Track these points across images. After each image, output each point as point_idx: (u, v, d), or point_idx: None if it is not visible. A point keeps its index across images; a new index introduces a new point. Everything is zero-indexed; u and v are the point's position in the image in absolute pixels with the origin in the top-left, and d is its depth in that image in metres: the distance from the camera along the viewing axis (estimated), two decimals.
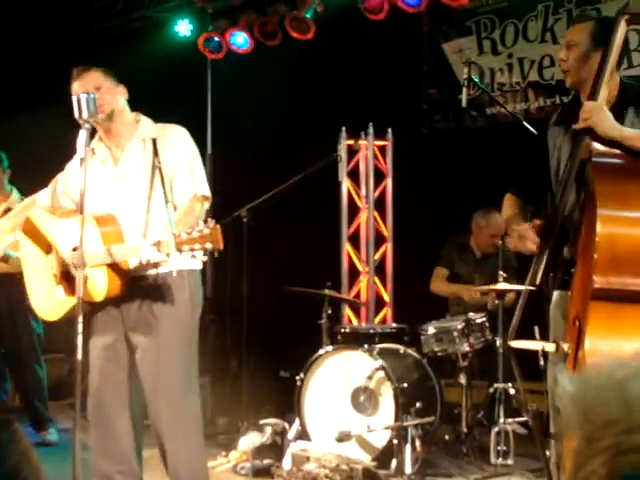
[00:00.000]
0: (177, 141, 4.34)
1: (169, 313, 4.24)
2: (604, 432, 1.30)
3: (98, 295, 4.02)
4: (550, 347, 3.37)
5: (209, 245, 3.70)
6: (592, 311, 3.07)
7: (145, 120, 4.43)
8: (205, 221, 3.90)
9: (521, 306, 3.55)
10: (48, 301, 4.30)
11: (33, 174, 6.14)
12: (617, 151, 3.37)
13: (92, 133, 4.05)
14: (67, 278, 4.12)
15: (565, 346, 3.30)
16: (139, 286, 4.20)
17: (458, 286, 7.12)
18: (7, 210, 6.38)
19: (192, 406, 4.34)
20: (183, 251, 3.70)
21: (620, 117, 3.55)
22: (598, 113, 3.48)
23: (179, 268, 4.16)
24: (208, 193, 4.29)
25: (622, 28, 3.53)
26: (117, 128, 4.35)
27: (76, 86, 4.26)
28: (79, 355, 3.69)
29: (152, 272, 4.17)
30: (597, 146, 3.38)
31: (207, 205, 4.30)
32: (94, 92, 4.07)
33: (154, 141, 4.28)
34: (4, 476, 1.52)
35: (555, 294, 3.86)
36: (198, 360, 4.46)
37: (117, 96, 4.36)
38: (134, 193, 4.24)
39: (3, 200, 6.55)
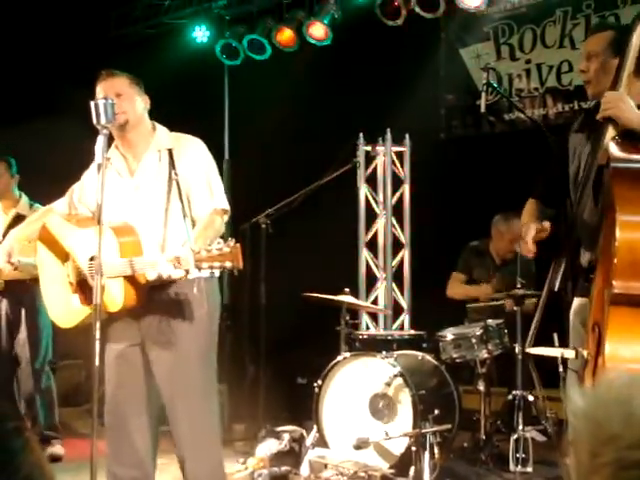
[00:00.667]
0: (194, 153, 4.31)
1: (188, 328, 4.21)
2: (606, 448, 1.30)
3: (114, 306, 4.01)
4: (569, 354, 3.34)
5: (228, 264, 3.70)
6: (612, 316, 3.05)
7: (161, 130, 4.40)
8: (223, 237, 3.90)
9: (539, 312, 3.53)
10: (63, 309, 4.29)
11: (51, 180, 6.17)
12: (636, 156, 3.35)
13: (109, 140, 4.04)
14: (83, 287, 4.12)
15: (585, 352, 3.27)
16: (157, 299, 4.17)
17: (473, 287, 7.09)
18: (17, 216, 6.41)
19: (211, 415, 4.32)
20: (202, 268, 3.70)
21: None
22: (619, 102, 3.44)
23: (198, 277, 4.09)
24: (227, 207, 4.28)
25: (639, 33, 3.50)
26: (133, 138, 4.32)
27: (99, 89, 4.26)
28: (97, 361, 3.69)
29: (171, 286, 4.16)
30: (615, 151, 3.35)
31: (226, 218, 4.29)
32: (113, 98, 4.08)
33: (170, 152, 4.26)
34: (26, 474, 1.50)
35: (575, 301, 3.84)
36: (216, 367, 4.44)
37: (136, 106, 4.32)
38: (151, 205, 4.21)
39: (12, 206, 6.53)
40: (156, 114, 4.57)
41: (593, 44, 3.80)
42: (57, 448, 6.44)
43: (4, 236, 6.23)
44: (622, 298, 3.07)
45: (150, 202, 4.22)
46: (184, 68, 9.34)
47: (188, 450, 4.21)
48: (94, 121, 3.81)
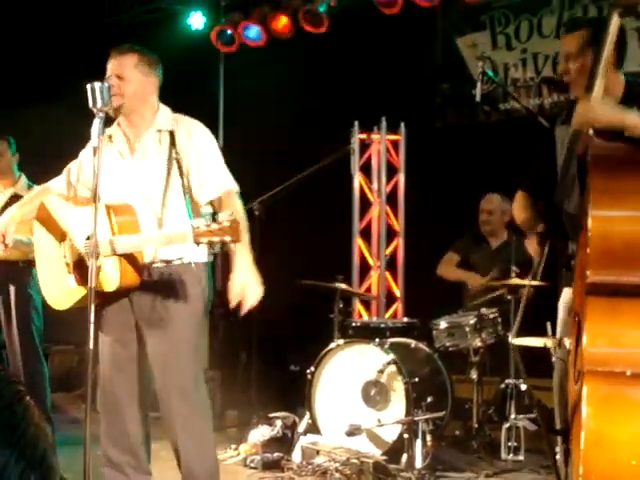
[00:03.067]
0: (197, 135, 4.26)
1: (182, 307, 4.18)
2: None
3: (110, 285, 4.00)
4: (551, 343, 3.36)
5: (228, 238, 3.68)
6: (589, 306, 3.06)
7: (163, 110, 4.34)
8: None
9: (523, 304, 3.54)
10: (58, 290, 4.28)
11: (46, 164, 6.15)
12: (615, 145, 3.34)
13: (107, 121, 4.02)
14: (79, 267, 4.11)
15: (567, 342, 3.29)
16: (153, 279, 4.17)
17: (463, 272, 7.08)
18: (14, 196, 6.38)
19: (202, 397, 4.31)
20: (201, 243, 3.68)
21: None
22: (589, 115, 3.43)
23: (194, 261, 4.15)
24: (237, 187, 4.22)
25: (615, 22, 3.45)
26: (134, 119, 4.29)
27: (108, 67, 4.25)
28: (91, 345, 3.68)
29: (166, 265, 4.16)
30: (595, 140, 3.35)
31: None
32: (116, 79, 4.10)
33: (172, 133, 4.22)
34: (27, 442, 1.51)
35: (564, 291, 3.86)
36: (208, 354, 4.45)
37: (137, 88, 4.23)
38: (149, 184, 4.19)
39: (10, 185, 6.49)
40: None
41: (569, 45, 3.74)
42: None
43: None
44: (597, 287, 3.08)
45: (149, 181, 4.19)
46: (179, 54, 9.29)
47: (180, 432, 4.20)
48: (90, 104, 3.79)
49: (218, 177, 4.18)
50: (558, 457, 3.65)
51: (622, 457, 2.85)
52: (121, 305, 4.23)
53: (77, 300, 4.14)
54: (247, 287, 4.04)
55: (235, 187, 4.19)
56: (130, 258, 3.99)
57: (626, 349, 2.99)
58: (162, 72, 4.41)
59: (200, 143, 4.23)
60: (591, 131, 3.37)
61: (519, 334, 5.64)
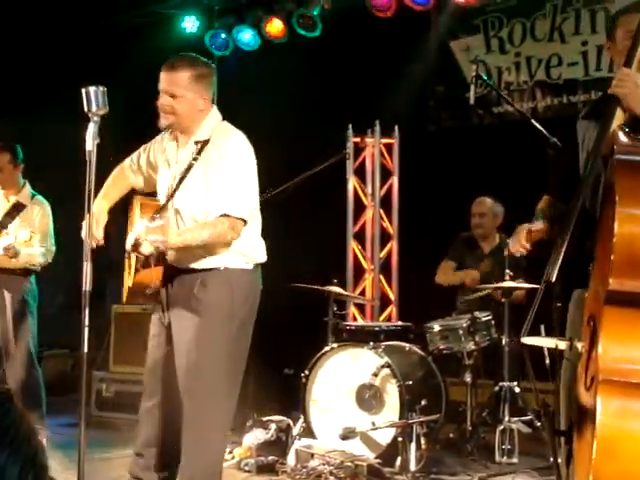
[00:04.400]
0: (224, 150, 4.20)
1: (207, 309, 4.16)
2: None
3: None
4: (563, 345, 3.33)
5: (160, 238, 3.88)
6: (607, 313, 2.99)
7: (209, 120, 4.31)
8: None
9: (536, 303, 3.50)
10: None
11: (45, 168, 6.18)
12: None
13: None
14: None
15: (579, 345, 3.25)
16: (184, 279, 4.21)
17: (459, 273, 7.09)
18: (16, 204, 6.41)
19: (218, 402, 4.22)
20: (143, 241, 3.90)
21: None
22: (633, 81, 3.40)
23: (226, 266, 4.18)
24: (240, 214, 4.08)
25: None
26: (183, 131, 4.31)
27: (161, 79, 4.27)
28: (85, 349, 3.68)
29: (198, 267, 4.18)
30: (620, 141, 3.29)
31: (240, 227, 4.09)
32: (170, 98, 4.18)
33: (205, 143, 4.21)
34: (21, 442, 1.52)
35: (574, 293, 3.82)
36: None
37: (189, 106, 4.23)
38: (179, 194, 4.23)
39: (14, 193, 6.51)
40: (144, 105, 4.56)
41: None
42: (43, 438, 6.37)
43: (1, 222, 6.26)
44: (617, 295, 3.01)
45: (180, 191, 4.22)
46: None
47: (185, 433, 4.17)
48: (85, 108, 3.80)
49: (220, 199, 4.09)
50: (559, 459, 3.64)
51: (633, 469, 2.83)
52: (160, 304, 4.32)
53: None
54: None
55: (236, 214, 4.06)
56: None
57: None
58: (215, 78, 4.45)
59: (221, 158, 4.17)
60: (618, 131, 3.34)
61: (513, 337, 5.65)
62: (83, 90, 3.82)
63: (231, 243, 4.12)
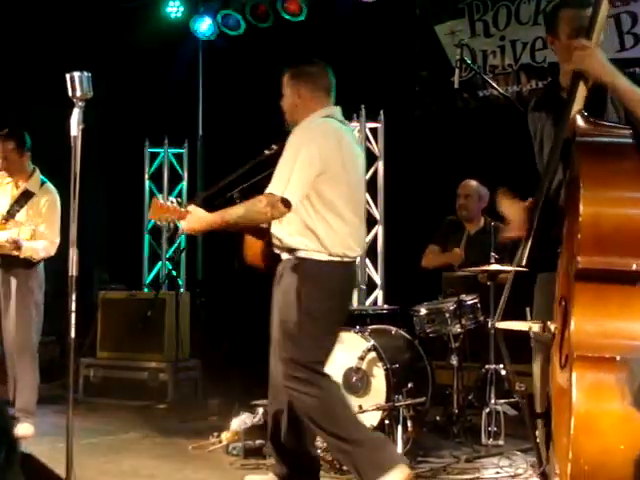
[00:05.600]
0: (292, 136, 4.44)
1: (283, 293, 4.46)
2: None
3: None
4: (536, 327, 3.37)
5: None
6: (577, 291, 3.06)
7: (308, 118, 4.54)
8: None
9: (507, 288, 3.54)
10: None
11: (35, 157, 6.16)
12: (602, 129, 3.35)
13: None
14: None
15: (552, 326, 3.30)
16: (277, 264, 4.56)
17: (443, 254, 7.10)
18: (25, 192, 6.37)
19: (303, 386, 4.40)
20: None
21: (603, 102, 3.52)
22: (593, 52, 3.39)
23: (301, 256, 4.40)
24: (282, 194, 4.23)
25: (605, 8, 3.47)
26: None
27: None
28: (72, 334, 3.69)
29: (287, 256, 4.49)
30: (581, 124, 3.34)
31: (281, 206, 4.24)
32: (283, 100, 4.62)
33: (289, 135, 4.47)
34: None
35: (539, 276, 3.88)
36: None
37: (291, 102, 4.63)
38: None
39: (24, 180, 6.46)
40: (130, 90, 4.56)
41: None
42: (26, 427, 6.33)
43: (8, 213, 6.22)
44: (587, 272, 3.08)
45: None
46: (158, 43, 9.30)
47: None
48: (70, 93, 3.80)
49: (273, 180, 4.31)
50: (538, 440, 3.68)
51: (611, 442, 2.86)
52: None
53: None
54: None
55: (279, 193, 4.23)
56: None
57: (616, 335, 3.00)
58: (330, 76, 4.68)
59: (286, 146, 4.41)
60: (577, 115, 3.37)
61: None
62: (68, 76, 3.82)
63: (272, 219, 4.36)
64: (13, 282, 6.34)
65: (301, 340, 4.34)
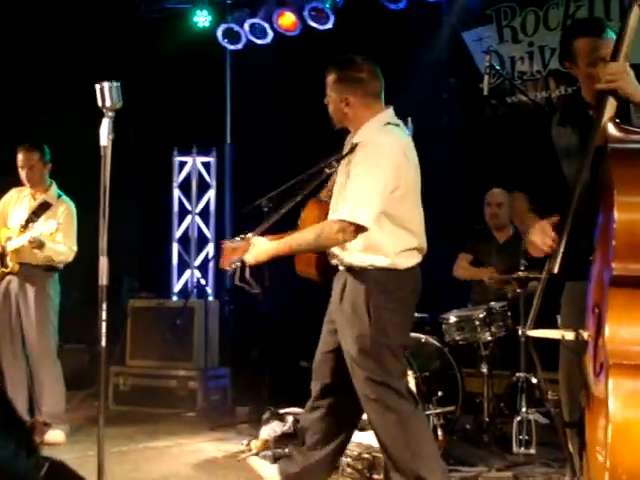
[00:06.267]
0: (360, 153, 4.16)
1: (344, 301, 4.26)
2: None
3: None
4: (570, 336, 3.34)
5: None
6: (612, 298, 3.04)
7: (367, 125, 4.30)
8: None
9: (539, 295, 3.51)
10: None
11: (62, 167, 6.20)
12: (635, 136, 3.33)
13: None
14: None
15: (585, 334, 3.27)
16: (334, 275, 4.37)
17: (477, 269, 7.06)
18: (43, 203, 6.47)
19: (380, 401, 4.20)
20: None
21: (627, 110, 3.51)
22: (623, 74, 3.41)
23: (360, 265, 4.19)
24: (352, 219, 3.98)
25: (635, 13, 3.47)
26: (352, 131, 4.40)
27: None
28: (103, 343, 3.70)
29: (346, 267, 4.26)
30: (613, 131, 3.33)
31: (350, 230, 4.00)
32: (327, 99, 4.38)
33: (355, 146, 4.21)
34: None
35: (567, 285, 3.86)
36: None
37: (336, 107, 4.36)
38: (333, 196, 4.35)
39: (41, 192, 6.59)
40: (159, 99, 4.57)
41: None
42: (57, 434, 6.38)
43: (26, 222, 6.33)
44: (621, 279, 3.06)
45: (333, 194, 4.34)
46: (186, 53, 9.33)
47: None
48: (99, 104, 3.81)
49: (341, 202, 4.11)
50: (571, 450, 3.65)
51: None
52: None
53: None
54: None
55: (348, 218, 3.99)
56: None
57: None
58: (376, 80, 4.49)
59: (355, 162, 4.15)
60: (609, 123, 3.36)
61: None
62: (97, 86, 3.83)
63: (344, 243, 4.12)
64: (31, 289, 6.43)
65: (376, 355, 4.14)
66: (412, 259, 4.29)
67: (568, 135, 3.83)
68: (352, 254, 4.17)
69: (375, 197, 4.05)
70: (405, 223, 4.22)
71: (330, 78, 4.39)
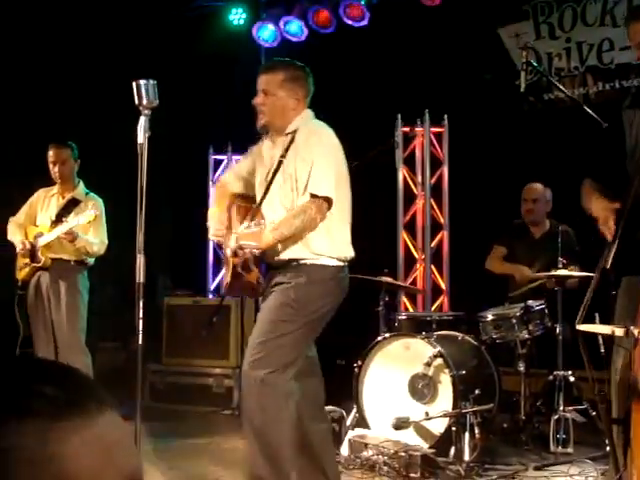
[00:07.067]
0: (309, 140, 4.38)
1: (278, 290, 4.40)
2: None
3: None
4: (620, 331, 3.29)
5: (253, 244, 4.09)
6: None
7: (298, 119, 4.50)
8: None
9: (591, 291, 3.46)
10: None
11: (98, 164, 6.22)
12: None
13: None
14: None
15: (635, 331, 3.22)
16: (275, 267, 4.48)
17: (511, 265, 7.00)
18: (71, 200, 6.57)
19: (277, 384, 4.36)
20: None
21: None
22: None
23: (299, 257, 4.35)
24: (325, 193, 4.24)
25: None
26: (277, 130, 4.52)
27: (258, 80, 4.52)
28: (139, 340, 3.71)
29: (283, 257, 4.37)
30: None
31: (324, 208, 4.25)
32: (263, 95, 4.44)
33: (293, 134, 4.41)
34: None
35: (624, 279, 3.79)
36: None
37: (279, 106, 4.46)
38: (272, 188, 4.45)
39: (69, 190, 6.70)
40: (194, 97, 4.59)
41: None
42: None
43: (57, 218, 6.43)
44: None
45: (271, 185, 4.44)
46: (221, 51, 9.35)
47: None
48: (136, 102, 3.82)
49: (308, 184, 4.26)
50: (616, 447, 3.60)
51: None
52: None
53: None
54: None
55: (319, 192, 4.23)
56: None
57: None
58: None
59: (307, 148, 4.35)
60: None
61: (567, 325, 5.57)
62: (134, 84, 3.84)
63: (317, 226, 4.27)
64: (63, 284, 6.50)
65: (284, 339, 4.35)
66: (348, 254, 4.56)
67: (638, 117, 3.76)
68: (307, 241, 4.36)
69: (330, 174, 4.30)
70: (344, 212, 4.49)
71: (278, 77, 4.49)
